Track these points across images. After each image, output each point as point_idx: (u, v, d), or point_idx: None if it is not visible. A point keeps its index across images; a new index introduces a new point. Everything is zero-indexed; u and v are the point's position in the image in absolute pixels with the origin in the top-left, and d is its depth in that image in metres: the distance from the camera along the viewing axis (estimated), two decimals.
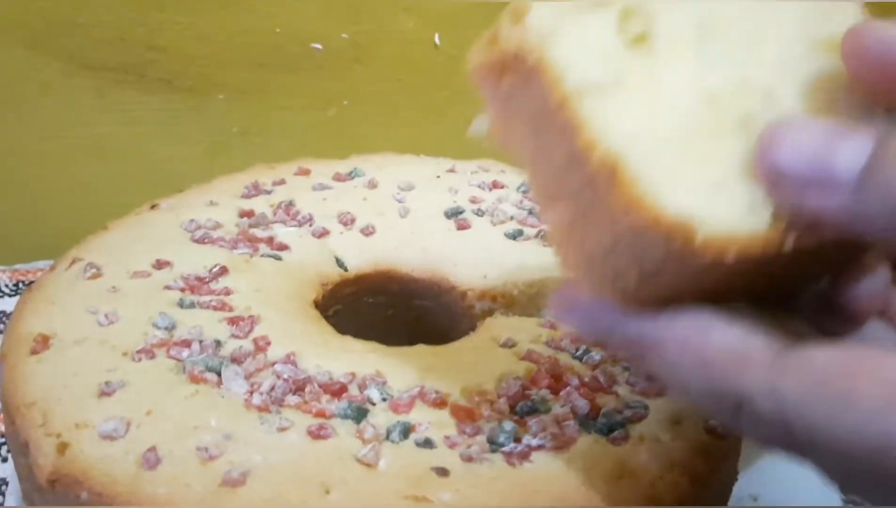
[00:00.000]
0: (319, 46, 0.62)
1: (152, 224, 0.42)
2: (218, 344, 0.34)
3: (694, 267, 0.22)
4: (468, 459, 0.29)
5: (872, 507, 0.21)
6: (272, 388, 0.32)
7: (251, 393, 0.31)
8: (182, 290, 0.37)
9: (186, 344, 0.34)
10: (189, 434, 0.29)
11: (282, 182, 0.46)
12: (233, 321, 0.35)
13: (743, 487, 0.40)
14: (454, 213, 0.44)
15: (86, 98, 0.60)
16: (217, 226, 0.42)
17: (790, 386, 0.21)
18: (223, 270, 0.39)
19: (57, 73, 0.59)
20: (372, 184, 0.46)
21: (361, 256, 0.42)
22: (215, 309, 0.36)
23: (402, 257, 0.43)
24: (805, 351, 0.22)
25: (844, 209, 0.21)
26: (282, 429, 0.30)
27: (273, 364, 0.33)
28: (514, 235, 0.43)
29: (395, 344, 0.36)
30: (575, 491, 0.28)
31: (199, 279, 0.38)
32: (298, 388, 0.32)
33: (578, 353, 0.34)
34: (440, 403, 0.32)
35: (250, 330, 0.35)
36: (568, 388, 0.32)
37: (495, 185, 0.47)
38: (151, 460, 0.28)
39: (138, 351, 0.33)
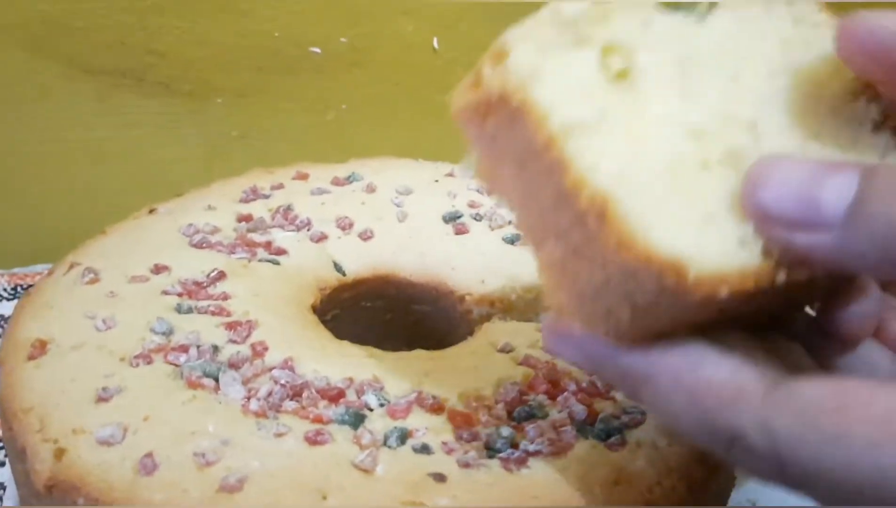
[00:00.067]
0: (318, 50, 0.62)
1: (150, 228, 0.42)
2: (216, 349, 0.34)
3: (686, 303, 0.22)
4: (465, 465, 0.29)
5: None
6: (269, 394, 0.32)
7: (248, 398, 0.31)
8: (180, 295, 0.37)
9: (184, 349, 0.34)
10: (186, 440, 0.29)
11: (280, 186, 0.46)
12: (230, 326, 0.35)
13: (741, 492, 0.40)
14: (452, 218, 0.44)
15: (85, 102, 0.60)
16: (215, 230, 0.42)
17: (782, 422, 0.21)
18: (221, 275, 0.39)
19: (56, 77, 0.59)
20: (370, 189, 0.46)
21: (359, 261, 0.42)
22: (213, 314, 0.36)
23: (400, 262, 0.43)
24: (796, 386, 0.22)
25: (833, 247, 0.21)
26: (279, 435, 0.30)
27: (271, 369, 0.33)
28: (513, 240, 0.43)
29: (394, 348, 0.36)
30: (572, 497, 0.28)
31: (197, 284, 0.38)
32: (296, 394, 0.32)
33: None
34: (438, 408, 0.32)
35: (248, 335, 0.35)
36: (565, 394, 0.32)
37: None
38: (148, 466, 0.28)
39: (136, 357, 0.33)
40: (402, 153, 0.51)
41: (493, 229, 0.44)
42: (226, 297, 0.37)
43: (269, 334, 0.35)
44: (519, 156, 0.24)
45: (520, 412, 0.31)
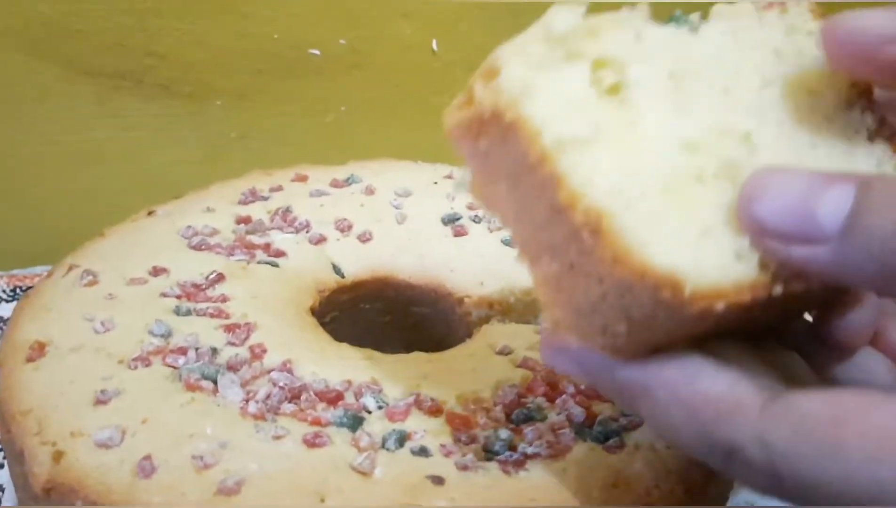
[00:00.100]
0: (317, 52, 0.62)
1: (149, 230, 0.42)
2: (214, 351, 0.34)
3: (683, 317, 0.22)
4: (463, 467, 0.29)
5: None
6: (268, 396, 0.32)
7: (247, 401, 0.31)
8: (178, 297, 0.37)
9: (182, 351, 0.34)
10: (184, 443, 0.29)
11: (279, 188, 0.46)
12: (229, 328, 0.35)
13: (739, 495, 0.40)
14: (451, 220, 0.44)
15: (84, 103, 0.60)
16: (214, 232, 0.42)
17: (779, 436, 0.21)
18: (220, 277, 0.39)
19: (55, 79, 0.59)
20: (369, 191, 0.46)
21: (358, 263, 0.42)
22: (212, 316, 0.36)
23: (399, 264, 0.43)
24: (793, 399, 0.22)
25: (830, 260, 0.21)
26: (277, 437, 0.30)
27: (269, 371, 0.33)
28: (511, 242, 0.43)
29: (392, 350, 0.36)
30: (570, 500, 0.28)
31: (196, 286, 0.38)
32: (294, 396, 0.32)
33: None
34: (436, 411, 0.32)
35: (246, 338, 0.35)
36: (564, 396, 0.32)
37: None
38: (146, 468, 0.28)
39: (134, 359, 0.33)
40: (402, 155, 0.51)
41: (491, 231, 0.44)
42: (224, 299, 0.37)
43: (268, 336, 0.35)
44: (512, 172, 0.23)
45: (518, 414, 0.31)
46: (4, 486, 0.41)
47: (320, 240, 0.43)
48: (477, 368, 0.35)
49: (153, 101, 0.61)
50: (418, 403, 0.32)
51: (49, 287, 0.38)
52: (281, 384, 0.32)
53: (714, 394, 0.22)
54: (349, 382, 0.33)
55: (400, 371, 0.34)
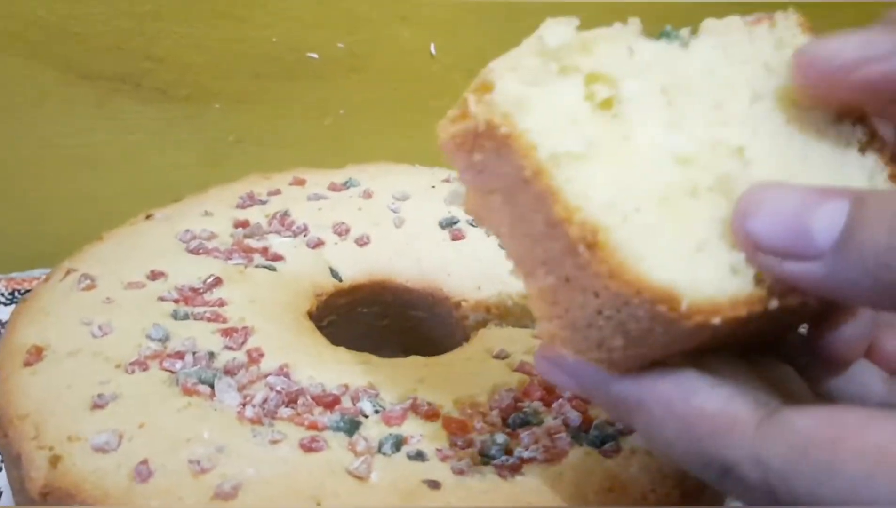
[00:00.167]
0: (316, 56, 0.62)
1: (147, 234, 0.42)
2: (211, 355, 0.34)
3: (679, 331, 0.22)
4: (460, 472, 0.29)
5: None
6: (265, 400, 0.32)
7: (244, 405, 0.31)
8: (176, 301, 0.37)
9: (180, 355, 0.34)
10: (181, 447, 0.29)
11: (277, 192, 0.46)
12: (226, 332, 0.35)
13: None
14: (449, 223, 0.44)
15: (83, 107, 0.60)
16: (212, 236, 0.42)
17: (774, 454, 0.21)
18: (217, 281, 0.39)
19: (54, 83, 0.59)
20: (367, 194, 0.46)
21: (356, 267, 0.42)
22: (209, 320, 0.36)
23: (396, 267, 0.43)
24: (788, 417, 0.22)
25: (824, 276, 0.21)
26: (274, 442, 0.30)
27: (266, 376, 0.33)
28: None
29: (390, 354, 0.36)
30: (566, 504, 0.28)
31: (194, 290, 0.38)
32: (291, 400, 0.32)
33: None
34: (432, 415, 0.32)
35: (244, 342, 0.35)
36: (560, 400, 0.32)
37: None
38: (143, 473, 0.28)
39: (131, 363, 0.33)
40: (400, 158, 0.51)
41: (489, 235, 0.43)
42: (222, 304, 0.37)
43: (265, 340, 0.35)
44: (507, 186, 0.23)
45: (514, 418, 0.31)
46: (2, 490, 0.41)
47: (318, 243, 0.43)
48: (474, 372, 0.35)
49: (151, 105, 0.61)
50: (415, 407, 0.32)
51: (47, 291, 0.38)
52: (278, 388, 0.32)
53: (709, 411, 0.22)
54: (346, 386, 0.33)
55: (397, 375, 0.34)
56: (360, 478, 0.29)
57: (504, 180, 0.23)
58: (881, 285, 0.20)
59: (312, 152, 0.64)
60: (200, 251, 0.41)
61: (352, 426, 0.31)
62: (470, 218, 0.44)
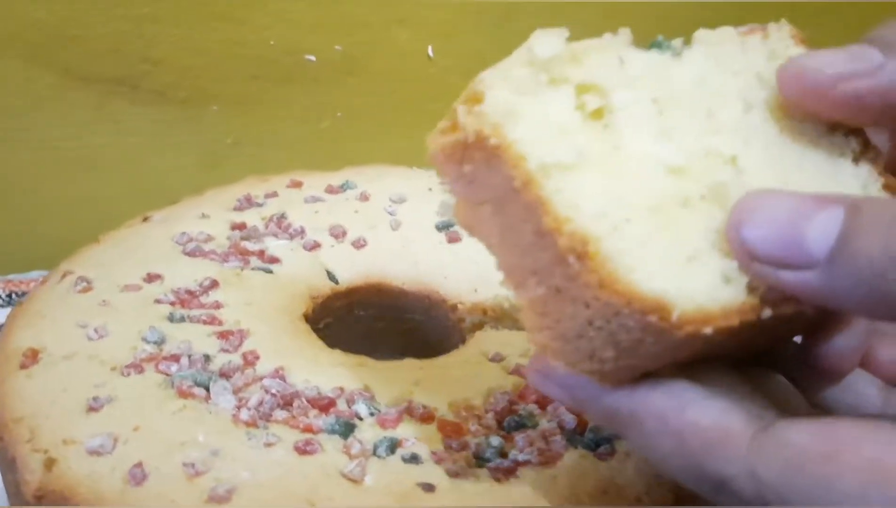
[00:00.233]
0: (313, 58, 0.62)
1: (144, 236, 0.42)
2: (207, 358, 0.34)
3: (671, 341, 0.22)
4: (454, 475, 0.29)
5: None
6: (260, 403, 0.32)
7: (239, 408, 0.31)
8: (172, 304, 0.37)
9: (175, 358, 0.34)
10: (176, 450, 0.29)
11: (274, 194, 0.46)
12: (222, 335, 0.35)
13: None
14: (446, 226, 0.44)
15: (80, 110, 0.61)
16: (209, 238, 0.42)
17: (769, 469, 0.21)
18: (214, 284, 0.39)
19: (52, 85, 0.59)
20: (364, 197, 0.46)
21: (353, 269, 0.42)
22: (205, 323, 0.36)
23: (393, 270, 0.43)
24: (783, 430, 0.21)
25: (818, 285, 0.21)
26: (269, 445, 0.30)
27: (261, 378, 0.33)
28: None
29: (387, 357, 0.36)
30: (561, 507, 0.28)
31: (190, 292, 0.38)
32: (286, 403, 0.32)
33: None
34: (427, 418, 0.32)
35: (240, 345, 0.35)
36: (555, 403, 0.32)
37: None
38: (138, 476, 0.28)
39: (127, 366, 0.33)
40: (397, 161, 0.51)
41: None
42: (218, 306, 0.37)
43: (261, 343, 0.35)
44: (497, 197, 0.23)
45: (509, 421, 0.31)
46: None
47: (314, 246, 0.43)
48: (469, 375, 0.35)
49: (149, 107, 0.61)
50: (410, 410, 0.32)
51: (43, 293, 0.38)
52: (273, 391, 0.32)
53: (703, 424, 0.22)
54: (341, 389, 0.33)
55: (392, 377, 0.34)
56: (354, 481, 0.29)
57: (494, 191, 0.23)
58: (876, 294, 0.20)
59: (310, 154, 0.64)
60: (197, 253, 0.41)
61: (346, 428, 0.31)
62: None
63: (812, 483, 0.20)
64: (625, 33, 0.25)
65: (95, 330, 0.35)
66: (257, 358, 0.34)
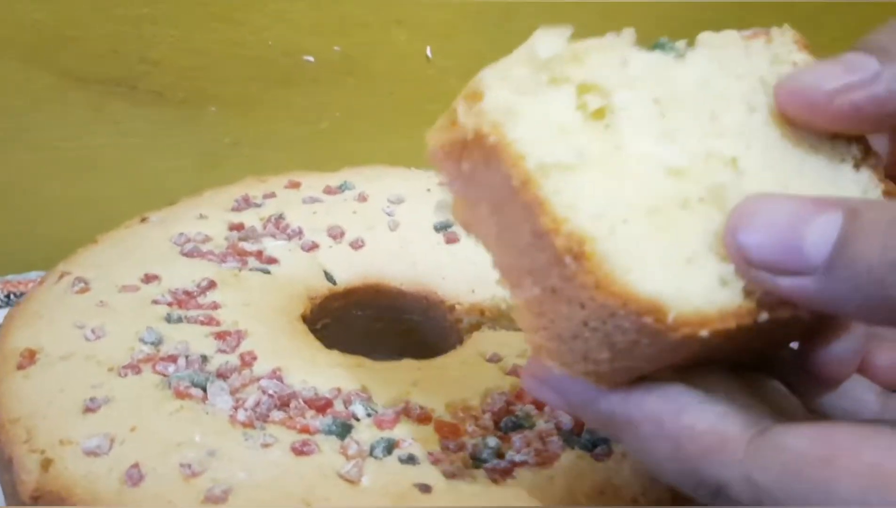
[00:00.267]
0: (311, 59, 0.62)
1: (142, 237, 0.42)
2: (204, 359, 0.34)
3: (666, 344, 0.21)
4: (451, 475, 0.29)
5: None
6: (257, 404, 0.32)
7: (236, 408, 0.31)
8: (170, 305, 0.37)
9: (172, 359, 0.34)
10: (173, 451, 0.29)
11: (272, 195, 0.46)
12: (220, 336, 0.35)
13: None
14: (443, 227, 0.44)
15: (78, 111, 0.60)
16: (206, 239, 0.42)
17: (766, 474, 0.21)
18: (211, 284, 0.39)
19: (49, 87, 0.59)
20: (362, 198, 0.46)
21: (350, 270, 0.42)
22: (202, 323, 0.36)
23: (390, 271, 0.43)
24: (780, 435, 0.21)
25: (817, 291, 0.21)
26: (266, 445, 0.30)
27: (259, 379, 0.33)
28: None
29: (385, 357, 0.36)
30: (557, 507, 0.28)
31: (187, 293, 0.38)
32: (283, 404, 0.32)
33: None
34: (425, 419, 0.32)
35: (237, 345, 0.35)
36: None
37: None
38: (134, 476, 0.28)
39: (124, 367, 0.33)
40: (396, 161, 0.51)
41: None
42: (215, 307, 0.37)
43: (258, 344, 0.35)
44: (495, 196, 0.23)
45: (506, 422, 0.31)
46: None
47: (312, 247, 0.43)
48: (467, 375, 0.35)
49: (148, 108, 0.61)
50: (407, 411, 0.32)
51: (41, 294, 0.38)
52: (270, 391, 0.32)
53: (700, 429, 0.22)
54: (339, 390, 0.33)
55: (390, 378, 0.34)
56: (351, 482, 0.29)
57: (492, 190, 0.23)
58: (875, 300, 0.20)
59: (309, 155, 0.64)
60: (195, 254, 0.41)
61: (343, 429, 0.31)
62: None
63: (810, 488, 0.20)
64: (628, 33, 0.25)
65: (93, 331, 0.35)
66: (255, 358, 0.34)
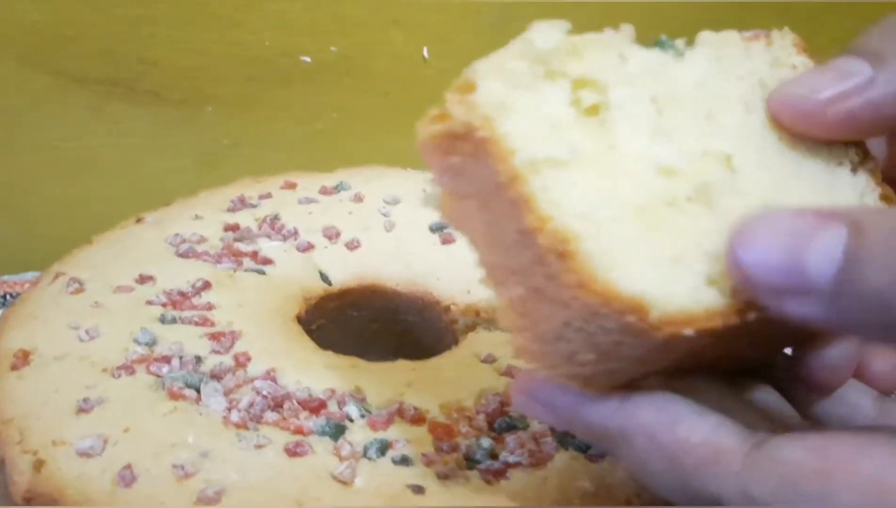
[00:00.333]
0: (309, 59, 0.62)
1: (137, 238, 0.42)
2: (198, 360, 0.34)
3: (651, 344, 0.21)
4: (444, 477, 0.29)
5: None
6: (251, 405, 0.32)
7: (230, 409, 0.31)
8: (164, 305, 0.37)
9: (166, 360, 0.34)
10: (166, 452, 0.29)
11: (268, 195, 0.46)
12: (214, 336, 0.35)
13: None
14: (439, 227, 0.44)
15: (76, 111, 0.60)
16: (202, 240, 0.42)
17: (763, 487, 0.21)
18: (206, 285, 0.39)
19: (47, 87, 0.59)
20: (358, 198, 0.46)
21: (346, 270, 0.42)
22: (197, 324, 0.36)
23: (386, 271, 0.43)
24: (777, 447, 0.21)
25: (825, 314, 0.20)
26: (259, 447, 0.30)
27: (253, 380, 0.33)
28: None
29: (380, 358, 0.36)
30: None
31: (182, 294, 0.38)
32: (277, 405, 0.32)
33: None
34: (418, 419, 0.32)
35: (231, 346, 0.35)
36: None
37: None
38: (127, 478, 0.28)
39: (118, 368, 0.33)
40: (393, 162, 0.51)
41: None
42: (210, 308, 0.37)
43: (253, 345, 0.35)
44: (482, 191, 0.23)
45: (500, 423, 0.31)
46: None
47: (308, 247, 0.43)
48: (461, 376, 0.35)
49: (145, 108, 0.61)
50: (401, 412, 0.32)
51: (35, 295, 0.38)
52: (264, 392, 0.32)
53: (694, 441, 0.22)
54: (333, 391, 0.33)
55: (384, 379, 0.34)
56: (344, 483, 0.29)
57: (480, 185, 0.23)
58: (885, 323, 0.19)
59: (306, 156, 0.64)
60: (190, 255, 0.41)
61: (337, 430, 0.31)
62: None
63: (808, 501, 0.20)
64: (627, 29, 0.25)
65: (87, 332, 0.35)
66: (249, 359, 0.34)
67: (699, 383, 0.23)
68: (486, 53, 0.24)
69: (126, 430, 0.30)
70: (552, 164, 0.22)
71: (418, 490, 0.28)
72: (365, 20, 0.62)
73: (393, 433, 0.31)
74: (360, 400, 0.32)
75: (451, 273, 0.42)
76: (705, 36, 0.26)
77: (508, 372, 0.34)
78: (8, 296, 0.55)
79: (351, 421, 0.31)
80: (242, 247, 0.42)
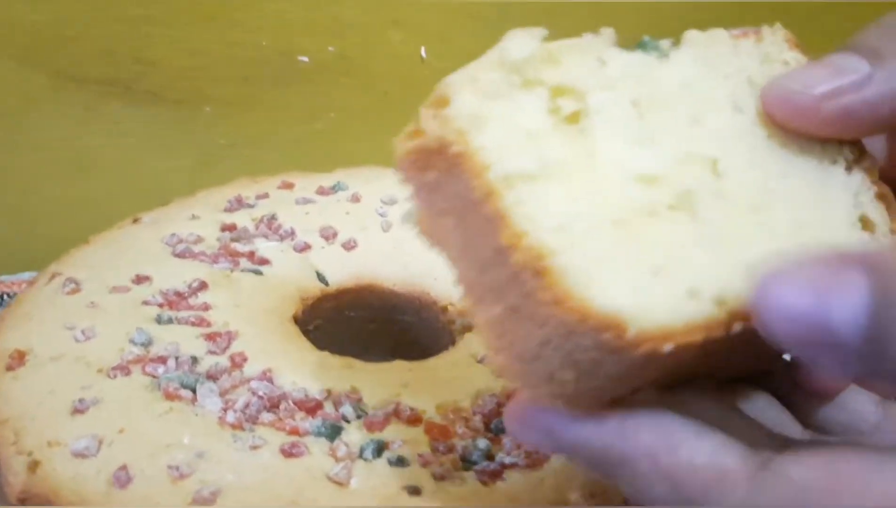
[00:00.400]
0: (306, 59, 0.62)
1: (133, 238, 0.42)
2: (194, 360, 0.34)
3: (630, 361, 0.20)
4: (440, 477, 0.29)
5: None
6: (247, 405, 0.31)
7: (226, 410, 0.31)
8: (160, 306, 0.37)
9: (162, 360, 0.33)
10: (161, 453, 0.29)
11: (265, 195, 0.46)
12: (210, 337, 0.35)
13: None
14: None
15: (73, 111, 0.60)
16: (198, 240, 0.42)
17: None
18: (202, 285, 0.38)
19: (44, 87, 0.59)
20: (355, 198, 0.46)
21: (343, 271, 0.42)
22: (193, 324, 0.36)
23: (383, 272, 0.42)
24: (783, 466, 0.20)
25: (856, 367, 0.19)
26: (255, 447, 0.30)
27: (249, 380, 0.33)
28: None
29: (378, 358, 0.36)
30: None
31: (178, 294, 0.38)
32: (273, 405, 0.32)
33: None
34: (415, 420, 0.31)
35: (227, 347, 0.35)
36: None
37: None
38: (122, 479, 0.28)
39: (114, 368, 0.33)
40: (391, 162, 0.49)
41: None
42: (206, 308, 0.37)
43: (249, 345, 0.35)
44: (458, 207, 0.22)
45: (497, 423, 0.31)
46: None
47: (305, 247, 0.43)
48: (458, 377, 0.34)
49: (142, 108, 0.61)
50: (397, 412, 0.32)
51: (31, 295, 0.38)
52: (260, 393, 0.32)
53: (698, 464, 0.21)
54: (329, 391, 0.33)
55: (380, 379, 0.34)
56: (339, 484, 0.28)
57: (456, 201, 0.22)
58: None
59: (304, 156, 0.64)
60: (186, 255, 0.41)
61: (333, 431, 0.31)
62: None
63: None
64: (607, 33, 0.24)
65: (83, 332, 0.35)
66: (245, 360, 0.34)
67: (694, 397, 0.23)
68: (484, 52, 0.23)
69: (121, 431, 0.30)
70: (527, 178, 0.21)
71: (414, 491, 0.28)
72: (363, 20, 0.62)
73: (389, 434, 0.31)
74: (357, 400, 0.32)
75: (449, 273, 0.42)
76: (691, 35, 0.25)
77: None
78: (4, 296, 0.55)
79: (347, 421, 0.31)
80: (239, 247, 0.42)
